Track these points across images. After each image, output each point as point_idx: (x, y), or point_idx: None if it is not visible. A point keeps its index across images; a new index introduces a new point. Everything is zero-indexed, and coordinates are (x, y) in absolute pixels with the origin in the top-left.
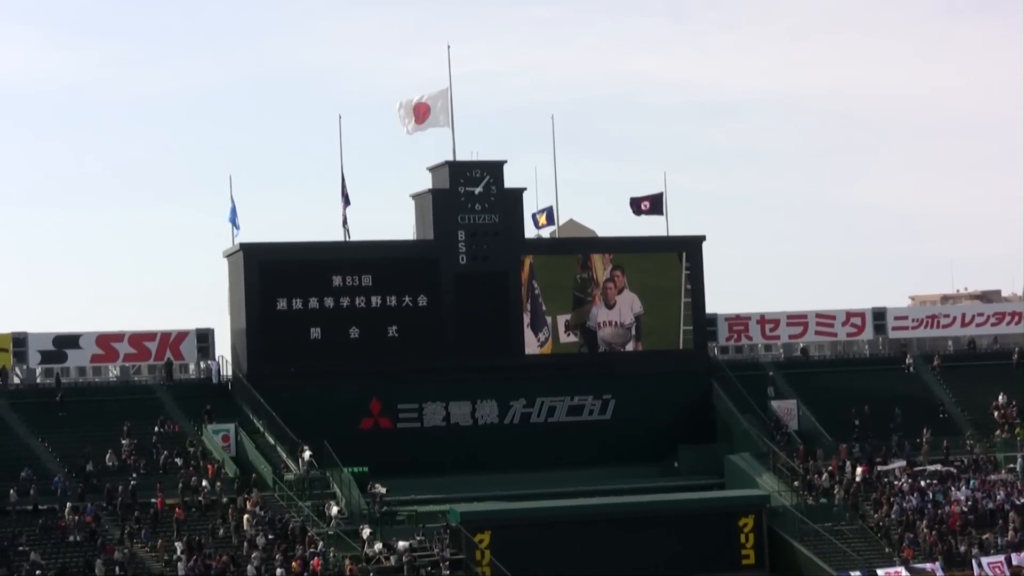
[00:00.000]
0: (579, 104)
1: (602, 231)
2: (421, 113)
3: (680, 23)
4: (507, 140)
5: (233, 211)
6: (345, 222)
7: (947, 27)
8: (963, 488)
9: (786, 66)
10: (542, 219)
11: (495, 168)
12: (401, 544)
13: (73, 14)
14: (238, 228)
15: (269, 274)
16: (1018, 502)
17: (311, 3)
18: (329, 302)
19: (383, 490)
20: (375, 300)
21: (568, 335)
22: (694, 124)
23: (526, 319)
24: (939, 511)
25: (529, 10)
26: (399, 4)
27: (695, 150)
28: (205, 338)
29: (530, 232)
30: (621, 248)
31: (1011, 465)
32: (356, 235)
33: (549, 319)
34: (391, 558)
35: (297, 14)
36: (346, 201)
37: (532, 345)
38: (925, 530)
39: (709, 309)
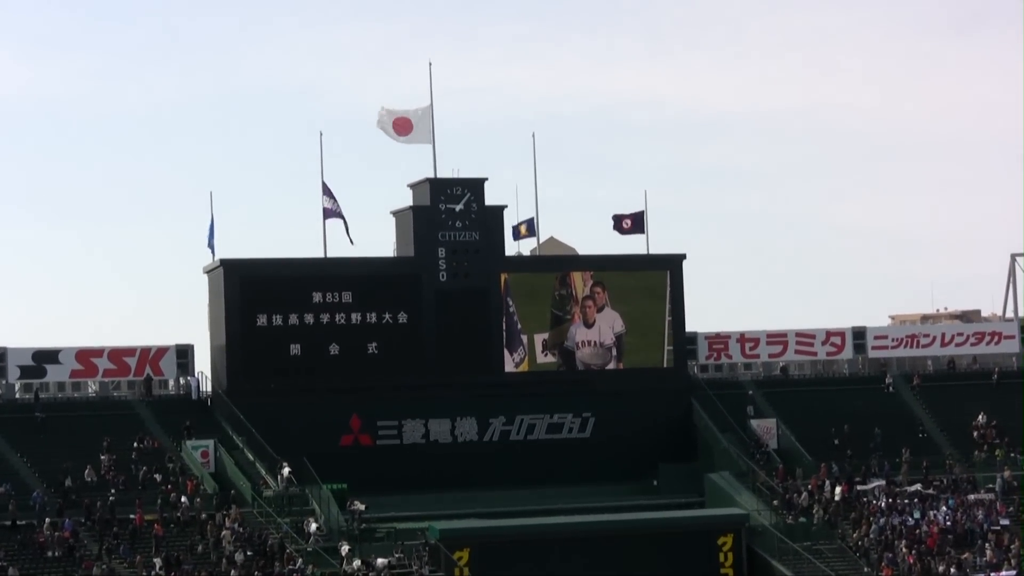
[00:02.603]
0: (557, 121)
1: (583, 249)
2: (402, 126)
3: (656, 41)
4: (485, 157)
5: (211, 233)
6: (347, 229)
7: (925, 46)
8: (942, 508)
9: (761, 85)
10: (523, 229)
11: (476, 185)
12: (380, 561)
13: (52, 30)
14: (213, 251)
15: (249, 290)
16: (997, 525)
17: (291, 19)
18: (309, 318)
19: (362, 507)
20: (355, 317)
21: (546, 355)
22: (673, 142)
23: (504, 337)
24: (918, 531)
25: (505, 27)
26: (378, 21)
27: (674, 168)
28: (185, 354)
29: (511, 246)
30: (602, 266)
31: (990, 485)
32: (336, 252)
33: (525, 337)
34: (370, 575)
35: (277, 30)
36: (333, 213)
37: (509, 364)
38: (904, 550)
39: (689, 328)
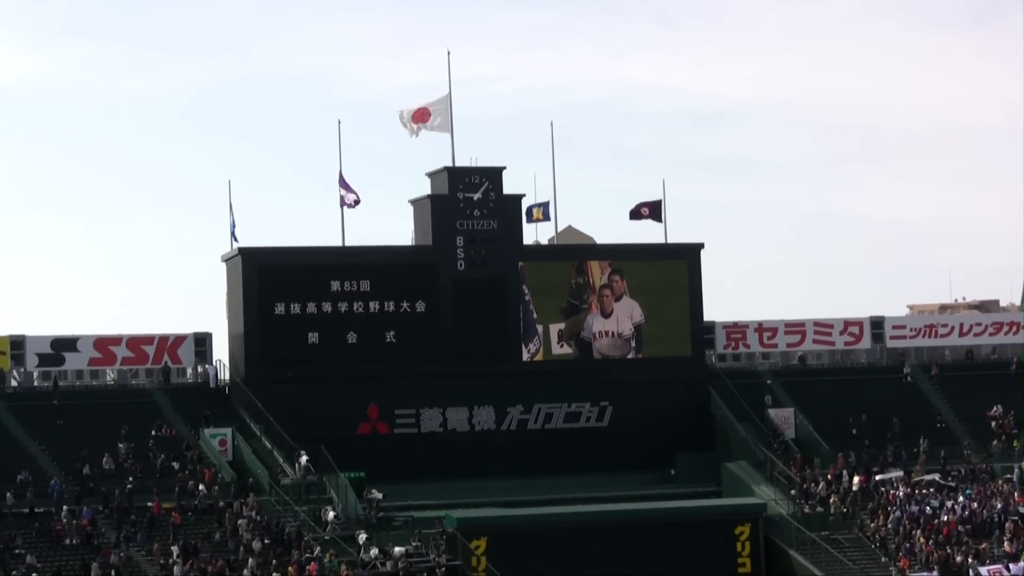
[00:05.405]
0: (574, 110)
1: (600, 238)
2: (420, 115)
3: (670, 30)
4: (503, 146)
5: (232, 223)
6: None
7: (939, 37)
8: (960, 498)
9: (775, 74)
10: (537, 213)
11: (494, 174)
12: (397, 550)
13: (66, 17)
14: (237, 240)
15: (267, 278)
16: (1015, 515)
17: (307, 7)
18: (327, 307)
19: (379, 495)
20: (373, 305)
21: (561, 345)
22: (690, 131)
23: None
24: (936, 521)
25: (521, 15)
26: (394, 9)
27: (692, 158)
28: (203, 342)
29: (528, 231)
30: (620, 255)
31: (1008, 475)
32: (354, 240)
33: (540, 327)
34: (387, 564)
35: (294, 18)
36: (348, 200)
37: (525, 355)
38: (921, 540)
39: (707, 317)
